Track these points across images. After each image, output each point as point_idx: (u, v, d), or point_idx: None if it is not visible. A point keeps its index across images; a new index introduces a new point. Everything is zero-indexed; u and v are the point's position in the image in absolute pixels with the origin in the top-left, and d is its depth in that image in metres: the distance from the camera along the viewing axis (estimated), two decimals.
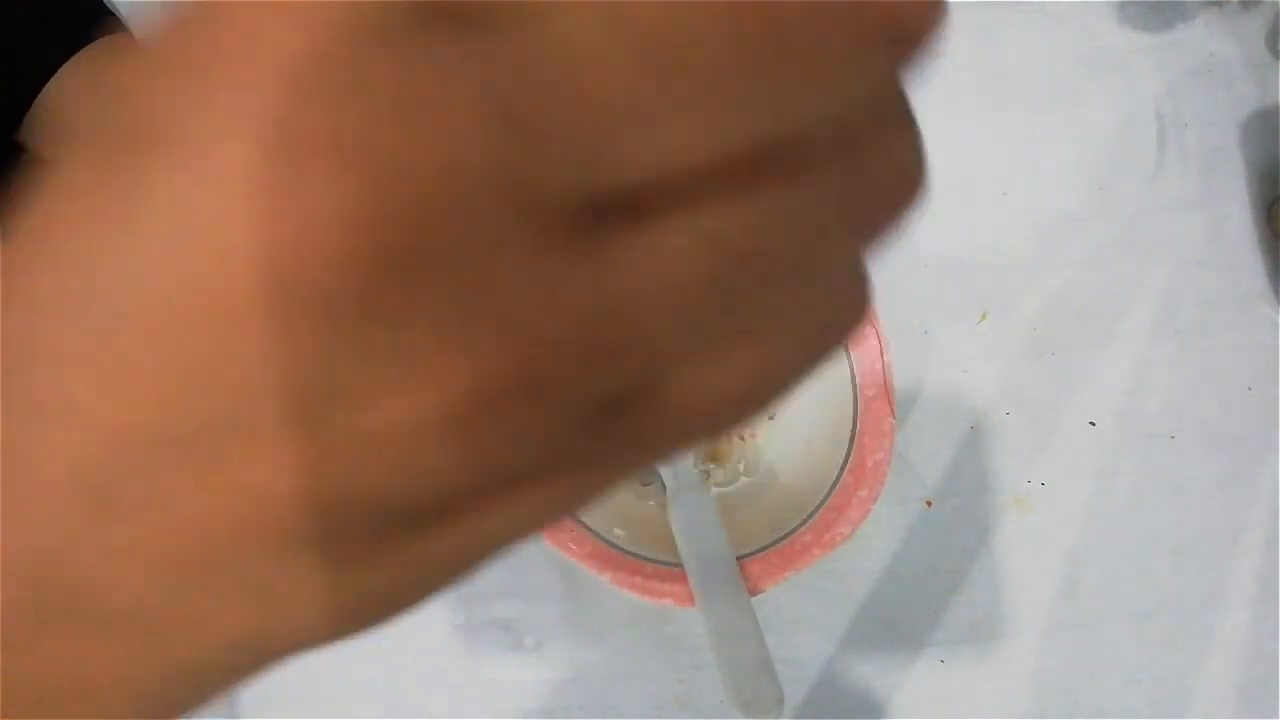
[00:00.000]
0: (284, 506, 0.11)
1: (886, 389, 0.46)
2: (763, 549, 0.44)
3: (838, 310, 0.13)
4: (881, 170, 0.13)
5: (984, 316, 0.54)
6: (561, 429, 0.12)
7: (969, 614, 0.49)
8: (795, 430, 0.48)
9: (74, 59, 0.49)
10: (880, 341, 0.47)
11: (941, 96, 0.58)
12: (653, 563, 0.43)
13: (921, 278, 0.55)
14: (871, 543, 0.50)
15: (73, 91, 0.18)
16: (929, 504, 0.51)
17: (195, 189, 0.10)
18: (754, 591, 0.42)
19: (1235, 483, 0.51)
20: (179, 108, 0.11)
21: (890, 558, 0.50)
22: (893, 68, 0.13)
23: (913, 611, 0.49)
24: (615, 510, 0.45)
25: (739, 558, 0.43)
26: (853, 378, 0.47)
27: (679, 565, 0.42)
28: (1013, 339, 0.54)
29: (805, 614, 0.49)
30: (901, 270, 0.55)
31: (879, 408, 0.46)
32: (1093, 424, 0.52)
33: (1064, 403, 0.53)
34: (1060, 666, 0.48)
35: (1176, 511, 0.51)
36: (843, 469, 0.45)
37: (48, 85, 0.49)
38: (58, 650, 0.13)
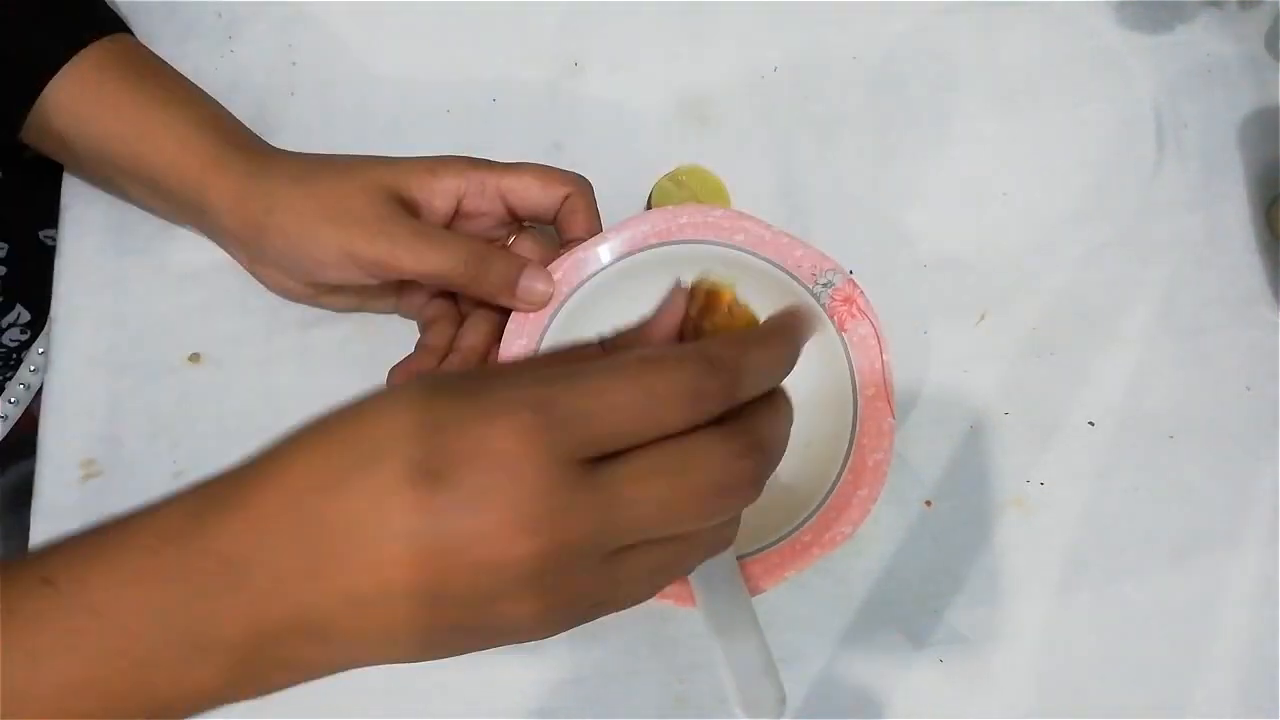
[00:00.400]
0: (455, 625, 0.29)
1: (886, 389, 0.46)
2: (763, 549, 0.44)
3: (686, 573, 0.34)
4: (719, 539, 0.33)
5: (983, 316, 0.54)
6: (570, 615, 0.31)
7: (968, 613, 0.49)
8: (795, 430, 0.48)
9: (75, 60, 0.49)
10: (880, 341, 0.47)
11: (941, 97, 0.58)
12: None
13: (921, 278, 0.55)
14: (871, 542, 0.50)
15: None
16: (928, 504, 0.51)
17: (482, 514, 0.27)
18: (755, 591, 0.43)
19: (1234, 482, 0.51)
20: (484, 461, 0.28)
21: (889, 557, 0.50)
22: (739, 511, 0.32)
23: (912, 611, 0.49)
24: None
25: (739, 557, 0.43)
26: (852, 378, 0.47)
27: None
28: (1012, 339, 0.54)
29: (805, 613, 0.49)
30: (901, 270, 0.55)
31: (879, 407, 0.46)
32: (1092, 424, 0.52)
33: (1063, 402, 0.53)
34: (1059, 666, 0.49)
35: (1175, 511, 0.51)
36: (843, 469, 0.45)
37: (49, 85, 0.49)
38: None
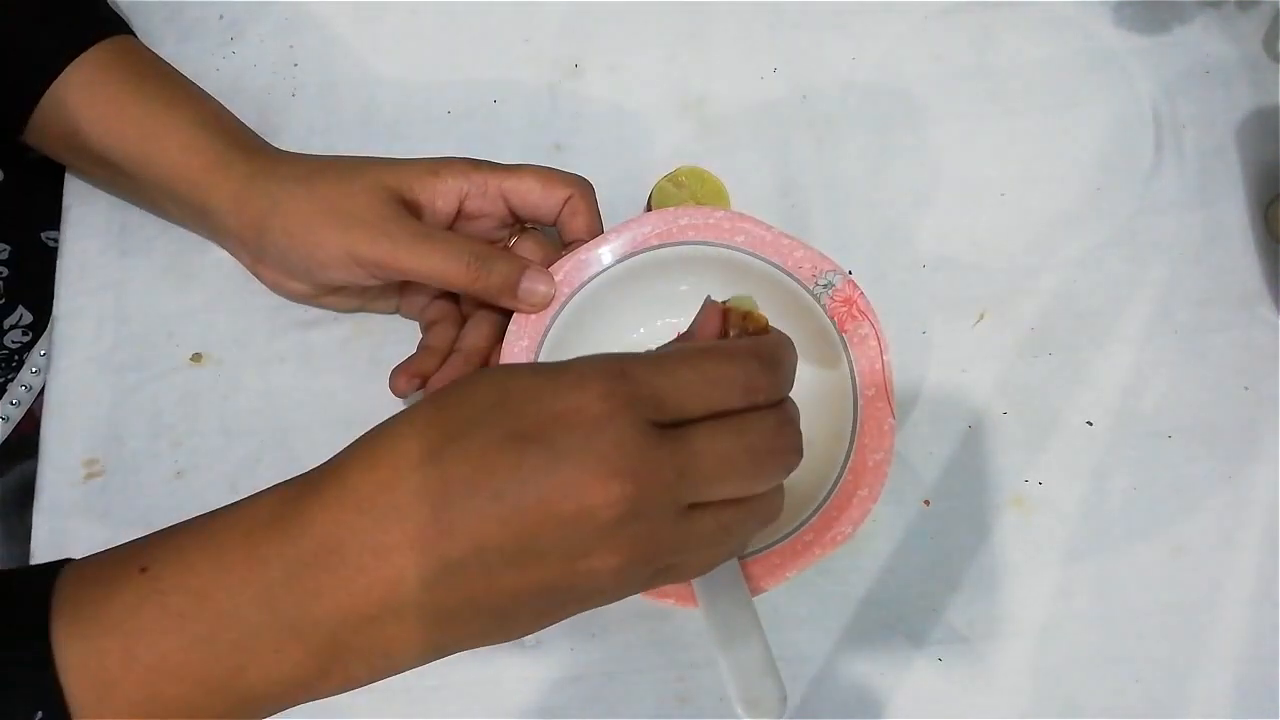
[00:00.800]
0: (542, 585, 0.31)
1: (887, 389, 0.47)
2: (764, 549, 0.44)
3: (745, 545, 0.37)
4: (772, 506, 0.35)
5: (982, 317, 0.55)
6: (647, 572, 0.32)
7: (967, 612, 0.49)
8: None
9: (77, 61, 0.49)
10: (880, 342, 0.47)
11: (940, 98, 0.59)
12: None
13: (920, 278, 0.55)
14: (870, 542, 0.50)
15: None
16: (927, 503, 0.51)
17: (573, 465, 0.30)
18: (755, 591, 0.43)
19: (1233, 482, 0.51)
20: (572, 422, 0.30)
21: (889, 556, 0.50)
22: (785, 476, 0.35)
23: (911, 610, 0.49)
24: None
25: (741, 558, 0.43)
26: (853, 378, 0.47)
27: None
28: (1011, 339, 0.54)
29: (804, 612, 0.49)
30: (900, 271, 0.55)
31: (879, 407, 0.46)
32: (1090, 423, 0.53)
33: (1062, 402, 0.53)
34: (1058, 665, 0.49)
35: (1174, 510, 0.51)
36: (843, 468, 0.46)
37: (51, 86, 0.49)
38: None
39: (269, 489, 0.32)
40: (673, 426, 0.31)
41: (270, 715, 0.32)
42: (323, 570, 0.30)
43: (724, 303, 0.39)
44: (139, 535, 0.33)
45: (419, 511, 0.30)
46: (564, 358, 0.47)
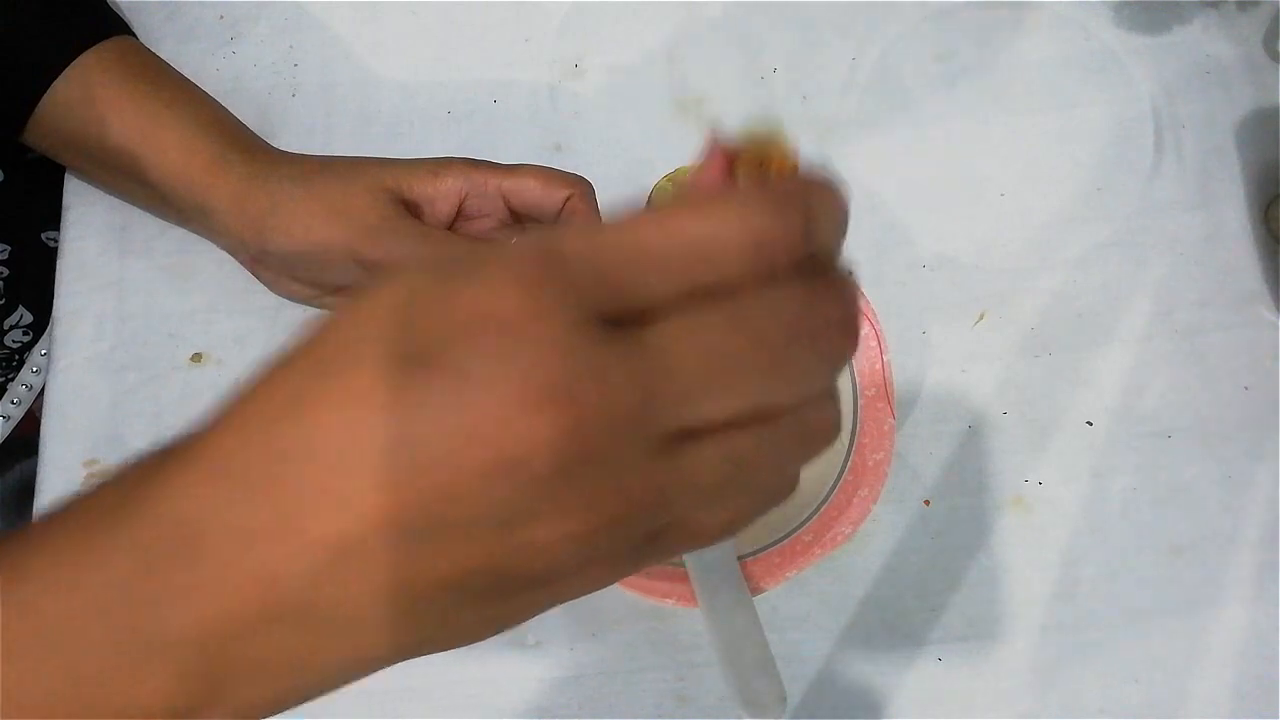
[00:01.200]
0: (470, 570, 0.21)
1: (886, 389, 0.47)
2: (764, 549, 0.44)
3: (783, 488, 0.25)
4: (816, 422, 0.23)
5: (982, 317, 0.55)
6: (626, 541, 0.22)
7: (967, 612, 0.49)
8: None
9: (77, 61, 0.49)
10: (880, 342, 0.47)
11: (940, 98, 0.59)
12: None
13: (920, 278, 0.55)
14: (870, 541, 0.50)
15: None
16: (927, 503, 0.51)
17: (485, 395, 0.20)
18: (755, 591, 0.43)
19: (1232, 482, 0.51)
20: (482, 332, 0.20)
21: (888, 556, 0.50)
22: (832, 374, 0.24)
23: (911, 610, 0.49)
24: None
25: (740, 557, 0.43)
26: (853, 378, 0.47)
27: (681, 565, 0.42)
28: (1010, 339, 0.54)
29: (804, 612, 0.49)
30: (900, 271, 0.55)
31: (879, 408, 0.46)
32: (1090, 423, 0.52)
33: (1062, 402, 0.53)
34: (1058, 665, 0.49)
35: (1174, 511, 0.51)
36: (843, 468, 0.46)
37: (51, 86, 0.49)
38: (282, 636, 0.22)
39: (127, 463, 0.23)
40: (635, 321, 0.21)
41: None
42: (179, 566, 0.21)
43: (734, 144, 0.27)
44: None
45: (283, 485, 0.21)
46: None
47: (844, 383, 0.47)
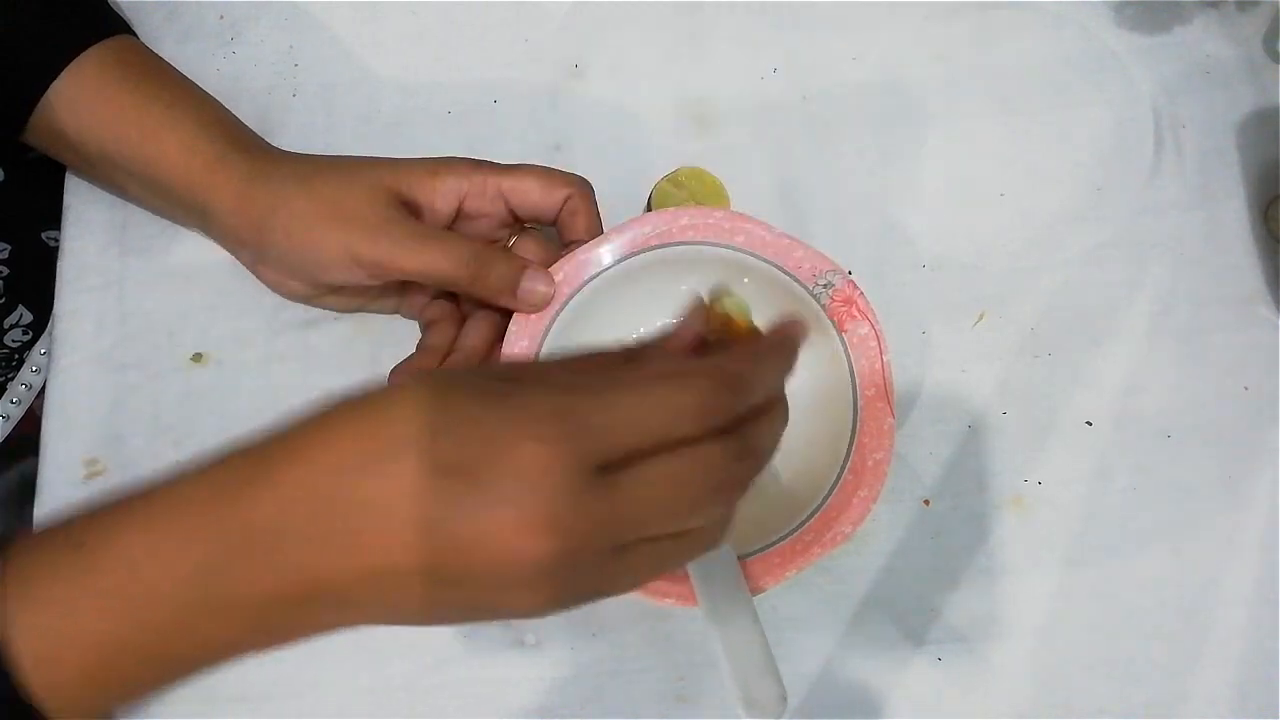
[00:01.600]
0: (460, 606, 0.32)
1: (886, 389, 0.47)
2: (764, 548, 0.44)
3: (726, 510, 0.34)
4: (707, 534, 0.34)
5: (982, 317, 0.55)
6: (579, 601, 0.32)
7: (966, 612, 0.49)
8: (796, 430, 0.48)
9: (78, 61, 0.49)
10: (880, 342, 0.47)
11: (940, 98, 0.59)
12: None
13: (920, 278, 0.55)
14: (870, 541, 0.50)
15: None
16: (927, 503, 0.51)
17: (501, 511, 0.30)
18: (755, 591, 0.43)
19: (1232, 482, 0.52)
20: (510, 467, 0.30)
21: (888, 556, 0.50)
22: (732, 507, 0.34)
23: (911, 610, 0.49)
24: None
25: (740, 557, 0.43)
26: (853, 378, 0.47)
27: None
28: (1010, 339, 0.54)
29: (804, 612, 0.49)
30: (900, 271, 0.55)
31: (879, 408, 0.46)
32: (1090, 423, 0.53)
33: (1061, 402, 0.53)
34: (1057, 665, 0.49)
35: (1173, 510, 0.51)
36: (843, 468, 0.46)
37: (51, 86, 0.49)
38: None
39: (199, 466, 0.32)
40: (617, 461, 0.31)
41: (211, 667, 0.33)
42: (254, 559, 0.30)
43: (712, 303, 0.39)
44: None
45: (345, 520, 0.30)
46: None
47: (844, 383, 0.47)
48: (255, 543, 0.30)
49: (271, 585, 0.30)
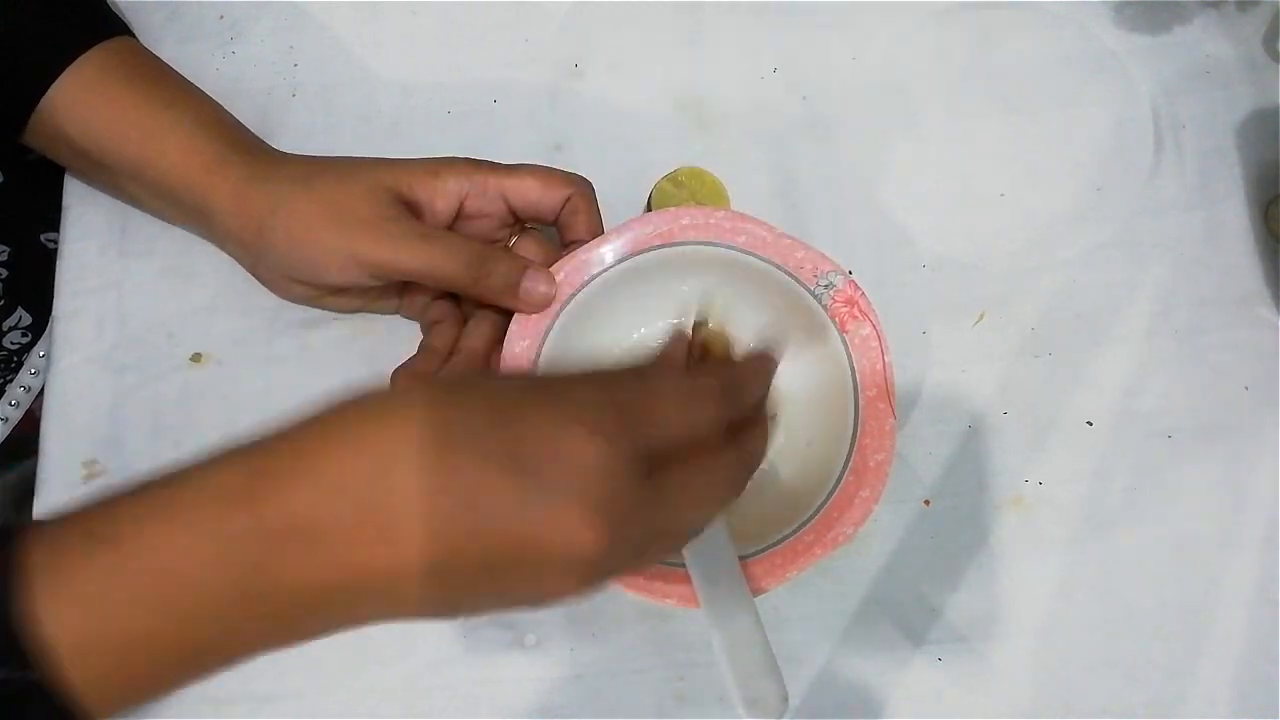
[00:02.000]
0: (494, 598, 0.33)
1: (888, 390, 0.47)
2: (765, 549, 0.44)
3: (732, 491, 0.36)
4: (755, 445, 0.38)
5: (982, 317, 0.55)
6: (631, 548, 0.33)
7: (967, 613, 0.49)
8: (797, 430, 0.48)
9: (77, 62, 0.49)
10: (881, 342, 0.47)
11: (940, 98, 0.59)
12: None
13: (920, 279, 0.55)
14: (870, 541, 0.50)
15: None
16: (927, 503, 0.51)
17: (576, 502, 0.31)
18: (756, 591, 0.43)
19: (1232, 482, 0.52)
20: (571, 463, 0.31)
21: (889, 556, 0.50)
22: (760, 402, 0.38)
23: (911, 610, 0.49)
24: None
25: (741, 557, 0.43)
26: (853, 378, 0.47)
27: (682, 566, 0.42)
28: (1011, 339, 0.54)
29: (804, 612, 0.49)
30: (900, 271, 0.55)
31: (880, 409, 0.46)
32: (1090, 423, 0.53)
33: (1061, 402, 0.53)
34: (1058, 665, 0.49)
35: (1174, 511, 0.51)
36: (844, 469, 0.46)
37: (51, 87, 0.49)
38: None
39: (227, 454, 0.32)
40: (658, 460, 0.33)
41: (229, 664, 0.32)
42: (299, 552, 0.30)
43: (694, 328, 0.42)
44: None
45: (403, 512, 0.30)
46: (565, 358, 0.47)
47: (845, 384, 0.47)
48: (299, 536, 0.30)
49: (311, 577, 0.30)
